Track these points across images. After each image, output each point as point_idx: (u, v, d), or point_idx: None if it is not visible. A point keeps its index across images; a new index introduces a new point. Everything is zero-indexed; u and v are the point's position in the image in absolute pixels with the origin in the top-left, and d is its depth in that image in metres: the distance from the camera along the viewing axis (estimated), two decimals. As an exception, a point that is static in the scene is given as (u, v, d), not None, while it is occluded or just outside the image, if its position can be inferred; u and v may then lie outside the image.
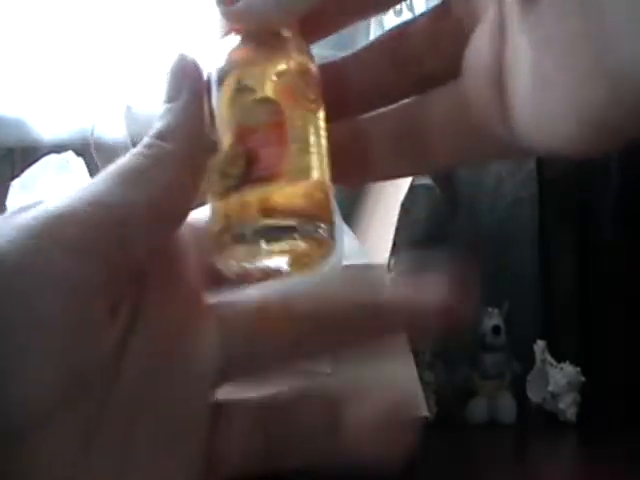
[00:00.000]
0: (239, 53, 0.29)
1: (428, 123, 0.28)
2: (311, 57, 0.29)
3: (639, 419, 0.84)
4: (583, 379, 0.89)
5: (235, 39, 0.29)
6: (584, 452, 0.86)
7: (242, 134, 0.27)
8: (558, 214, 1.02)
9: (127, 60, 0.96)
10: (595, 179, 0.97)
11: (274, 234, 0.27)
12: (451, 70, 0.27)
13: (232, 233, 0.27)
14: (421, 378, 0.70)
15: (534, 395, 0.91)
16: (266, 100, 0.28)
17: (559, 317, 0.99)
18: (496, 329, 0.91)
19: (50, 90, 0.95)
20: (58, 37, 0.95)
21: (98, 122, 0.95)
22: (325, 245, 0.31)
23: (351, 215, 0.93)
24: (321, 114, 0.29)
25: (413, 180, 0.76)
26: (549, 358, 0.90)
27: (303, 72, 0.28)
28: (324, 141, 0.29)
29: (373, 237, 0.81)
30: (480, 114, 0.26)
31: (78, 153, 0.83)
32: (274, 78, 0.28)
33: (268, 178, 0.27)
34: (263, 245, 0.27)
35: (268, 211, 0.27)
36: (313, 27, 0.29)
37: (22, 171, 0.80)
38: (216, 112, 0.29)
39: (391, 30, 0.29)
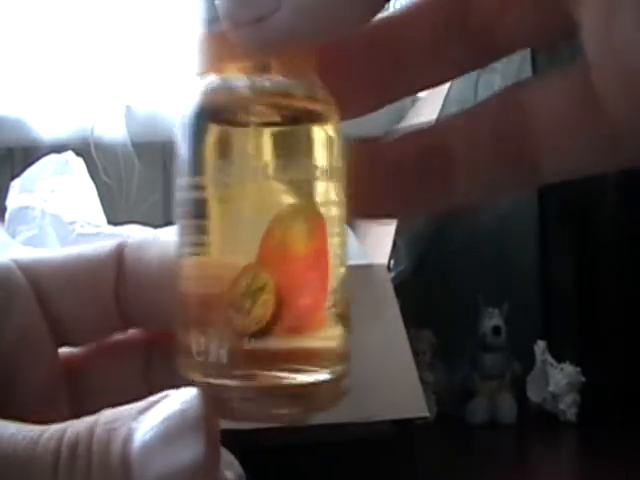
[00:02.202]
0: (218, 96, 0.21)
1: (535, 126, 0.22)
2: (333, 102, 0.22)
3: (639, 419, 0.84)
4: (583, 379, 0.89)
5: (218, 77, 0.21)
6: (584, 452, 0.86)
7: (269, 253, 0.20)
8: (558, 214, 1.02)
9: (127, 60, 0.96)
10: (595, 179, 0.96)
11: (295, 390, 0.21)
12: (525, 37, 0.22)
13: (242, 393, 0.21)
14: (421, 378, 0.70)
15: (534, 395, 0.91)
16: (304, 209, 0.20)
17: (559, 317, 0.99)
18: (496, 329, 0.91)
19: (50, 90, 0.95)
20: (58, 37, 0.95)
21: (98, 122, 0.95)
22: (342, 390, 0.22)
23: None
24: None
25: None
26: (549, 358, 0.90)
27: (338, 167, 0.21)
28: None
29: (373, 237, 0.81)
30: (618, 114, 0.20)
31: (78, 153, 0.83)
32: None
33: (303, 329, 0.21)
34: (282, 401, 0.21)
35: (292, 364, 0.21)
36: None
37: (22, 171, 0.80)
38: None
39: None
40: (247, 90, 0.21)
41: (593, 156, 0.22)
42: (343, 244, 0.22)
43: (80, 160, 0.82)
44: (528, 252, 1.02)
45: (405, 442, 0.78)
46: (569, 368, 0.89)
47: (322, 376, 0.21)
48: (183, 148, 0.21)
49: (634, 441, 0.79)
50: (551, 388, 0.89)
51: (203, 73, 0.22)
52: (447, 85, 0.80)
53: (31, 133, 0.94)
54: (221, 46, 0.21)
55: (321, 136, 0.21)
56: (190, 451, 0.19)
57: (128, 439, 0.19)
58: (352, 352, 0.22)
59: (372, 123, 1.06)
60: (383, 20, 0.23)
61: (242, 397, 0.21)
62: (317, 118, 0.21)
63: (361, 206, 0.23)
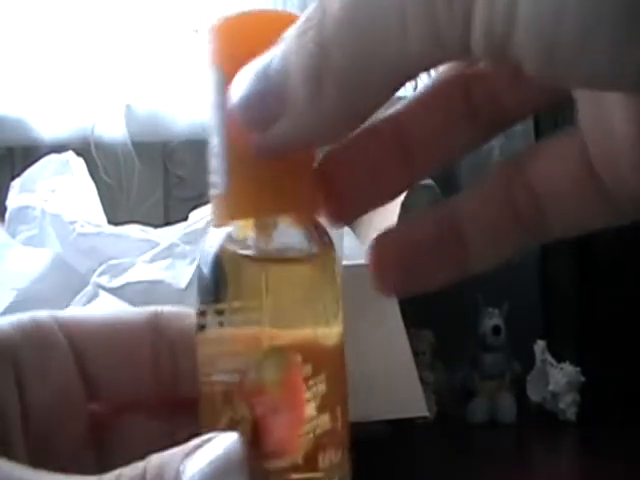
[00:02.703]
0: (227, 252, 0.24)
1: (545, 188, 0.23)
2: (333, 247, 0.25)
3: (639, 419, 0.84)
4: (583, 379, 0.89)
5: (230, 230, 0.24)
6: (584, 452, 0.86)
7: (248, 390, 0.23)
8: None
9: (127, 60, 0.96)
10: None
11: None
12: (530, 104, 0.24)
13: None
14: (421, 378, 0.70)
15: (534, 395, 0.91)
16: (278, 351, 0.23)
17: (559, 317, 1.00)
18: (496, 329, 0.91)
19: (50, 90, 0.95)
20: (58, 37, 0.95)
21: (98, 122, 0.95)
22: None
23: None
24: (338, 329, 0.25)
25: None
26: (549, 358, 0.90)
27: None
28: (343, 369, 0.25)
29: (373, 237, 0.81)
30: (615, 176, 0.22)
31: (78, 153, 0.83)
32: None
33: (276, 455, 0.23)
34: None
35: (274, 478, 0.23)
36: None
37: (22, 171, 0.80)
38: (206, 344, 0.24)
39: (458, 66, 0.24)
40: (252, 251, 0.24)
41: (599, 214, 0.23)
42: (334, 384, 0.24)
43: (80, 160, 0.82)
44: (528, 252, 1.02)
45: (405, 442, 0.78)
46: (569, 368, 0.89)
47: None
48: (203, 279, 0.24)
49: (634, 441, 0.79)
50: (551, 388, 0.89)
51: (216, 226, 0.24)
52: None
53: (31, 133, 0.94)
54: (225, 206, 0.24)
55: (319, 278, 0.24)
56: None
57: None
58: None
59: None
60: (389, 115, 0.25)
61: None
62: (316, 262, 0.25)
63: (386, 290, 0.26)
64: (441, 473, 0.77)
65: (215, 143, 0.23)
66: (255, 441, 0.23)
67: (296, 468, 0.23)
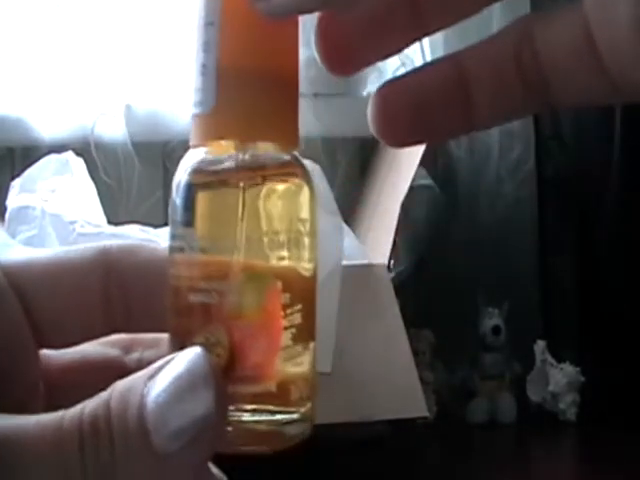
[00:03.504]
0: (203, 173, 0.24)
1: (549, 56, 0.23)
2: (310, 178, 0.25)
3: (639, 419, 0.84)
4: (583, 379, 0.89)
5: (209, 151, 0.24)
6: (584, 452, 0.86)
7: (224, 313, 0.23)
8: (558, 214, 1.02)
9: (127, 60, 0.96)
10: (595, 179, 0.97)
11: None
12: None
13: None
14: (421, 378, 0.70)
15: (534, 395, 0.91)
16: (259, 275, 0.23)
17: (559, 317, 0.99)
18: (496, 329, 0.91)
19: (50, 90, 0.95)
20: (58, 37, 0.95)
21: (98, 122, 0.95)
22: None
23: (351, 215, 0.93)
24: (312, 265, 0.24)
25: (413, 180, 0.76)
26: (549, 358, 0.90)
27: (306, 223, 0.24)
28: (314, 301, 0.24)
29: (373, 237, 0.81)
30: (614, 52, 0.22)
31: (78, 153, 0.83)
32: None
33: (251, 380, 0.23)
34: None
35: (247, 405, 0.23)
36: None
37: (22, 171, 0.80)
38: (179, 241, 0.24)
39: None
40: (232, 163, 0.24)
41: (598, 89, 0.23)
42: (306, 298, 0.24)
43: (80, 160, 0.82)
44: (528, 252, 1.02)
45: (405, 442, 0.78)
46: (569, 368, 0.89)
47: (284, 417, 0.24)
48: (176, 205, 0.24)
49: (634, 441, 0.79)
50: (551, 388, 0.89)
51: (195, 146, 0.24)
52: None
53: (31, 133, 0.94)
54: (209, 126, 0.24)
55: (294, 198, 0.24)
56: (201, 405, 0.21)
57: (142, 405, 0.21)
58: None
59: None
60: None
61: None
62: (292, 182, 0.24)
63: (390, 137, 0.25)
64: (441, 473, 0.77)
65: (203, 61, 0.23)
66: (230, 365, 0.22)
67: (269, 396, 0.23)
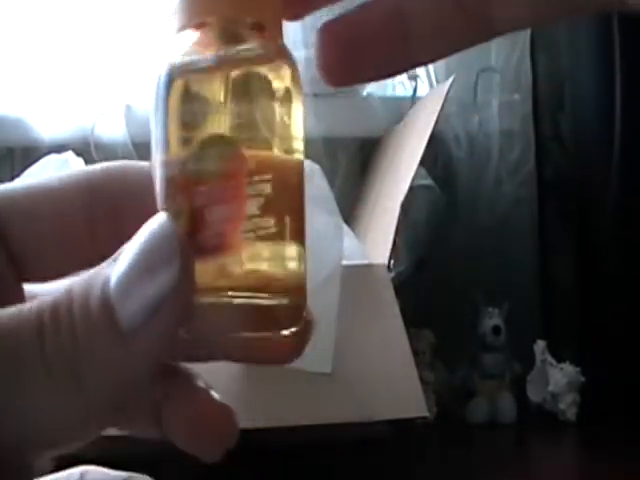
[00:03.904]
0: (192, 53, 0.23)
1: None
2: (293, 63, 0.24)
3: (639, 419, 0.84)
4: (583, 379, 0.89)
5: (193, 35, 0.23)
6: (584, 452, 0.86)
7: (186, 182, 0.22)
8: (558, 214, 1.02)
9: (127, 60, 0.96)
10: (595, 179, 0.97)
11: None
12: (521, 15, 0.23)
13: None
14: (421, 378, 0.70)
15: (534, 395, 0.91)
16: (219, 139, 0.22)
17: (559, 317, 1.00)
18: (496, 329, 0.91)
19: (50, 90, 0.95)
20: (58, 37, 0.95)
21: (98, 122, 0.95)
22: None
23: (351, 215, 0.93)
24: (298, 145, 0.23)
25: (413, 180, 0.76)
26: (549, 358, 0.90)
27: (283, 94, 0.23)
28: (298, 190, 0.23)
29: (373, 237, 0.81)
30: None
31: (78, 153, 0.83)
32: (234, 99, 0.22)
33: (216, 248, 0.22)
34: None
35: (221, 285, 0.22)
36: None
37: (22, 171, 0.80)
38: (158, 131, 0.23)
39: None
40: (214, 57, 0.23)
41: (541, 3, 0.23)
42: (284, 187, 0.23)
43: (80, 160, 0.82)
44: (528, 252, 1.02)
45: (405, 442, 0.78)
46: (569, 368, 0.89)
47: (267, 301, 0.22)
48: (154, 105, 0.23)
49: (634, 441, 0.79)
50: (551, 388, 0.89)
51: (178, 30, 0.23)
52: (447, 85, 0.80)
53: (31, 133, 0.94)
54: (197, 4, 0.23)
55: (277, 85, 0.23)
56: (166, 274, 0.20)
57: (105, 281, 0.20)
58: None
59: (372, 123, 1.07)
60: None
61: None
62: (275, 70, 0.23)
63: (332, 75, 0.24)
64: (441, 473, 0.77)
65: None
66: (191, 234, 0.21)
67: (240, 267, 0.22)
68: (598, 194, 0.95)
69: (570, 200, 1.00)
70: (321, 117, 0.95)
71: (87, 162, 0.84)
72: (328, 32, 0.24)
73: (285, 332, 0.23)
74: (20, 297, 0.25)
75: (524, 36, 1.00)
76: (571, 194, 1.00)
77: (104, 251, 0.24)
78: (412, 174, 0.76)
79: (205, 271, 0.21)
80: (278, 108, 0.23)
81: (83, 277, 0.20)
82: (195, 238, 0.21)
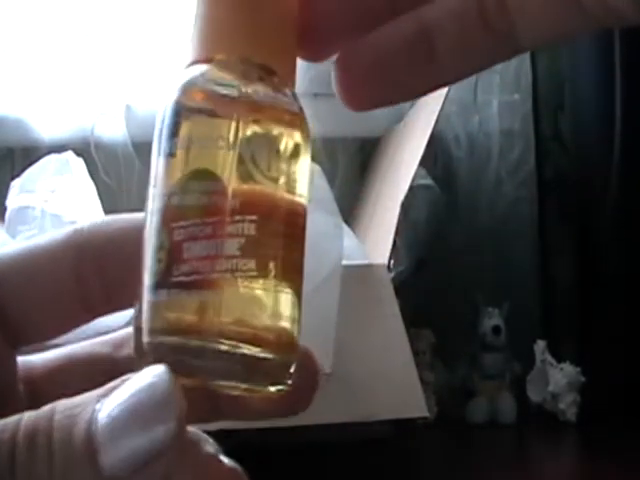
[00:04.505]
0: (199, 93, 0.22)
1: None
2: (303, 115, 0.23)
3: (639, 419, 0.84)
4: (583, 379, 0.89)
5: (204, 68, 0.22)
6: (584, 452, 0.86)
7: (169, 215, 0.21)
8: (558, 214, 1.02)
9: (127, 60, 0.96)
10: (595, 179, 0.97)
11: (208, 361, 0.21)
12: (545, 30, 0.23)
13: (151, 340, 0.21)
14: (421, 378, 0.70)
15: (534, 395, 0.91)
16: (205, 173, 0.21)
17: (559, 317, 0.99)
18: (496, 329, 0.91)
19: (50, 90, 0.95)
20: (58, 37, 0.95)
21: (98, 122, 0.95)
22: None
23: (351, 215, 0.93)
24: (296, 196, 0.23)
25: (413, 180, 0.76)
26: (549, 358, 0.90)
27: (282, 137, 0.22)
28: (294, 236, 0.22)
29: (373, 237, 0.81)
30: None
31: (78, 153, 0.83)
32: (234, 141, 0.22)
33: (191, 284, 0.21)
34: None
35: (201, 328, 0.21)
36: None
37: (22, 171, 0.80)
38: (159, 162, 0.22)
39: None
40: (234, 91, 0.22)
41: (568, 19, 0.22)
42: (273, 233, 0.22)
43: (80, 160, 0.82)
44: (528, 252, 1.02)
45: (405, 442, 0.78)
46: (569, 368, 0.89)
47: (246, 350, 0.21)
48: (159, 134, 0.22)
49: (634, 441, 0.79)
50: (551, 388, 0.89)
51: (191, 64, 0.23)
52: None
53: (31, 133, 0.94)
54: (213, 38, 0.23)
55: (290, 143, 0.22)
56: (161, 428, 0.18)
57: (92, 420, 0.19)
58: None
59: (372, 123, 1.06)
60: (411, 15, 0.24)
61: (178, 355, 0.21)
62: (289, 126, 0.22)
63: (354, 99, 0.24)
64: (441, 473, 0.77)
65: None
66: (168, 268, 0.21)
67: (220, 309, 0.21)
68: (598, 194, 0.95)
69: (570, 200, 1.00)
70: (321, 117, 0.94)
71: (87, 162, 0.84)
72: (348, 55, 0.24)
73: (272, 388, 0.22)
74: (11, 365, 0.24)
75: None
76: (571, 194, 1.00)
77: (95, 306, 0.25)
78: (412, 174, 0.76)
79: (186, 309, 0.21)
80: (285, 162, 0.22)
81: (67, 404, 0.19)
82: (170, 272, 0.21)
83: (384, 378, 0.68)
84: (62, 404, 0.19)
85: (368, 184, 0.97)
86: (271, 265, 0.22)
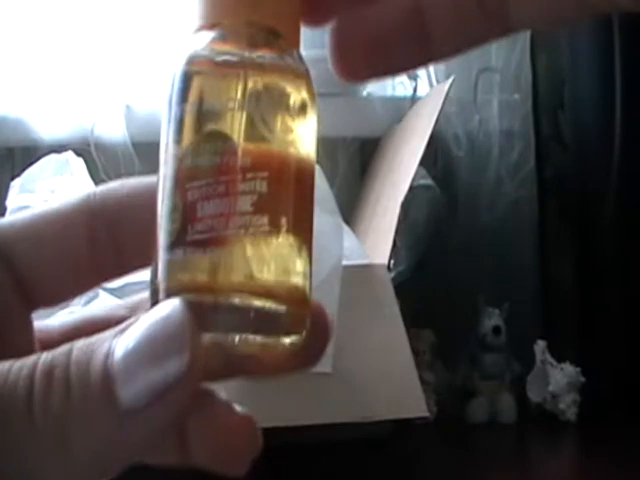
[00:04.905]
0: (206, 59, 0.23)
1: None
2: (308, 74, 0.24)
3: (639, 419, 0.84)
4: (583, 379, 0.89)
5: (209, 35, 0.23)
6: (584, 452, 0.86)
7: (182, 177, 0.22)
8: (558, 214, 1.02)
9: (127, 60, 0.96)
10: (595, 179, 0.97)
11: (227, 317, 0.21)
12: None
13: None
14: (421, 378, 0.70)
15: (534, 395, 0.91)
16: (216, 134, 0.22)
17: (559, 317, 0.99)
18: (496, 329, 0.91)
19: (50, 90, 0.95)
20: (58, 37, 0.95)
21: (98, 122, 0.95)
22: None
23: (351, 215, 0.93)
24: (304, 148, 0.23)
25: (413, 180, 0.76)
26: (549, 358, 0.90)
27: (288, 95, 0.23)
28: (303, 193, 0.23)
29: (373, 237, 0.81)
30: None
31: (78, 153, 0.83)
32: (241, 100, 0.22)
33: (206, 243, 0.21)
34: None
35: (216, 285, 0.21)
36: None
37: (22, 171, 0.80)
38: (171, 125, 0.23)
39: None
40: (240, 57, 0.23)
41: (555, 2, 0.23)
42: (283, 193, 0.22)
43: (80, 160, 0.82)
44: (528, 252, 1.02)
45: (405, 442, 0.78)
46: (569, 368, 0.89)
47: (261, 303, 0.22)
48: (169, 99, 0.23)
49: (634, 441, 0.79)
50: (551, 388, 0.89)
51: (199, 29, 0.23)
52: (447, 85, 0.80)
53: (31, 133, 0.94)
54: (221, 3, 0.23)
55: (294, 97, 0.23)
56: (176, 359, 0.19)
57: (109, 353, 0.19)
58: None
59: (372, 123, 1.06)
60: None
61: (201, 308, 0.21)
62: (296, 84, 0.23)
63: (348, 69, 0.24)
64: (441, 473, 0.77)
65: None
66: (183, 228, 0.21)
67: (233, 265, 0.21)
68: (598, 193, 0.95)
69: (570, 200, 1.00)
70: (321, 117, 0.94)
71: (87, 162, 0.84)
72: (344, 28, 0.24)
73: (287, 340, 0.22)
74: (27, 326, 0.25)
75: (524, 36, 1.00)
76: (571, 194, 1.00)
77: (107, 269, 0.25)
78: (412, 174, 0.76)
79: (202, 268, 0.21)
80: (293, 119, 0.23)
81: (85, 342, 0.20)
82: (185, 231, 0.21)
83: (384, 378, 0.68)
84: (80, 342, 0.20)
85: (368, 184, 0.97)
86: (283, 220, 0.22)
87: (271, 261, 0.22)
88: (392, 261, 0.74)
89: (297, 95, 0.23)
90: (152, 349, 0.19)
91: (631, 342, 0.91)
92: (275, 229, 0.22)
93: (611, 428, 0.85)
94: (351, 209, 0.95)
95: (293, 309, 0.22)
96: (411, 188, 0.76)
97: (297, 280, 0.22)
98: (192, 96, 0.22)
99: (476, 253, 1.00)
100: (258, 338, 0.22)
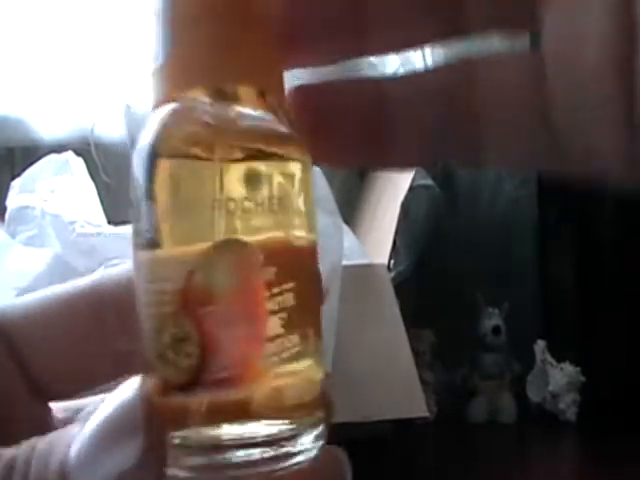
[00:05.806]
0: (178, 137, 0.18)
1: (485, 96, 0.21)
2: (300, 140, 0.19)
3: (639, 419, 0.84)
4: (583, 379, 0.89)
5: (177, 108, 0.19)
6: (584, 452, 0.86)
7: (192, 299, 0.17)
8: (558, 214, 1.02)
9: (127, 60, 0.96)
10: (595, 179, 0.96)
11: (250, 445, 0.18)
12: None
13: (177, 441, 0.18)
14: (421, 378, 0.70)
15: (534, 395, 0.91)
16: (234, 243, 0.17)
17: (559, 317, 0.99)
18: (496, 329, 0.91)
19: (50, 90, 0.95)
20: (58, 37, 0.95)
21: (98, 122, 0.95)
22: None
23: (351, 215, 0.93)
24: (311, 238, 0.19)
25: (413, 180, 0.76)
26: (549, 358, 0.90)
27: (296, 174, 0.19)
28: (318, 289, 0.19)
29: (373, 237, 0.81)
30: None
31: (78, 153, 0.83)
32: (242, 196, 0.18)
33: (231, 382, 0.18)
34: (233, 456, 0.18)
35: (238, 415, 0.18)
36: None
37: (22, 171, 0.80)
38: (144, 219, 0.19)
39: None
40: (212, 120, 0.19)
41: (536, 149, 0.22)
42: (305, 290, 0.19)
43: (80, 160, 0.82)
44: (528, 252, 1.02)
45: (405, 442, 0.78)
46: (569, 368, 0.89)
47: (276, 428, 0.19)
48: (134, 184, 0.19)
49: (634, 441, 0.79)
50: (551, 388, 0.89)
51: (160, 103, 0.19)
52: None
53: (31, 133, 0.94)
54: (175, 73, 0.19)
55: (286, 176, 0.19)
56: (126, 457, 0.18)
57: (65, 453, 0.19)
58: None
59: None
60: None
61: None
62: (283, 158, 0.19)
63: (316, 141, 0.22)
64: (441, 473, 0.77)
65: (156, 8, 0.19)
66: (204, 366, 0.17)
67: (252, 404, 0.18)
68: (598, 193, 0.95)
69: (570, 199, 1.00)
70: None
71: (87, 162, 0.84)
72: (307, 96, 0.22)
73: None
74: (35, 418, 0.24)
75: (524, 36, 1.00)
76: (571, 193, 1.00)
77: (117, 357, 0.23)
78: (412, 174, 0.76)
79: (228, 409, 0.18)
80: (294, 196, 0.19)
81: (46, 439, 0.19)
82: (206, 370, 0.18)
83: (384, 378, 0.68)
84: (43, 438, 0.19)
85: (368, 184, 0.97)
86: (310, 331, 0.19)
87: (301, 384, 0.19)
88: (392, 261, 0.74)
89: (294, 168, 0.19)
90: (105, 437, 0.18)
91: (631, 342, 0.91)
92: (304, 341, 0.19)
93: (611, 428, 0.85)
94: (351, 209, 0.95)
95: (319, 428, 0.20)
96: (411, 188, 0.76)
97: (317, 389, 0.20)
98: (161, 184, 0.18)
99: (476, 253, 1.00)
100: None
